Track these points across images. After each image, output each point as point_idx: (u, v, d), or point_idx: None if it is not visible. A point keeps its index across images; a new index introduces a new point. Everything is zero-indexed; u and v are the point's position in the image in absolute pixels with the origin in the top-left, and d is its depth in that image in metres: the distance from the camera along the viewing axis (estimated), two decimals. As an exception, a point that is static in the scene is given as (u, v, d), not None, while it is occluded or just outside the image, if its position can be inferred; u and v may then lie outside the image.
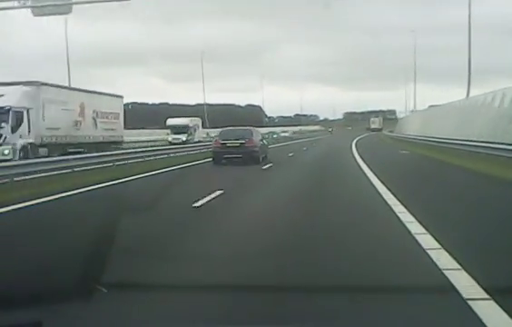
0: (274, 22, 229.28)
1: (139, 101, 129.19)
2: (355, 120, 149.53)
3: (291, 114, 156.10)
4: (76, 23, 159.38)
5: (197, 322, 3.74)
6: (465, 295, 4.15)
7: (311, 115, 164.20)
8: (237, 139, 22.83)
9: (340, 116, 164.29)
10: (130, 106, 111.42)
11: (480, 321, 3.65)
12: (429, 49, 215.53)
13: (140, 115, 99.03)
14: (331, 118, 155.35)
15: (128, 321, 3.76)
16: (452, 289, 4.37)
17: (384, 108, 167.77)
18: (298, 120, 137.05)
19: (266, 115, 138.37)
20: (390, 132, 77.23)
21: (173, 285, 4.58)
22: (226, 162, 21.63)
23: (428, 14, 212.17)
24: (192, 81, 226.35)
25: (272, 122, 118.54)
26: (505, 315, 3.71)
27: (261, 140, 25.18)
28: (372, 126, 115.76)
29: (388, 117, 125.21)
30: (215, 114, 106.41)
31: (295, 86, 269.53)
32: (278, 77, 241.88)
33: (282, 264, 5.31)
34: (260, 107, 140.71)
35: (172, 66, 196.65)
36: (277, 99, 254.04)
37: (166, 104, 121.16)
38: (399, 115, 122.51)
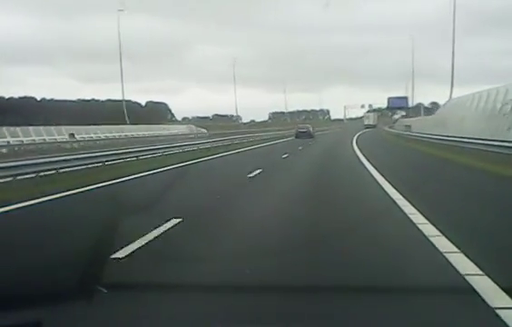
0: (191, 21, 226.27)
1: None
2: (284, 120, 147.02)
3: (210, 115, 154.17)
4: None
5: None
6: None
7: (233, 116, 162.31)
8: (304, 129, 59.44)
9: (266, 117, 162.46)
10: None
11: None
12: (351, 50, 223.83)
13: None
14: (259, 119, 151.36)
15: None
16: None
17: (312, 108, 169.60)
18: (218, 120, 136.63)
19: (172, 114, 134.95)
20: (390, 128, 70.46)
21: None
22: (300, 137, 53.45)
23: (346, 13, 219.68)
24: (103, 81, 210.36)
25: (187, 122, 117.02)
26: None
27: (313, 129, 61.18)
28: (366, 122, 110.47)
29: (320, 117, 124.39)
30: (102, 112, 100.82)
31: (216, 87, 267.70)
32: (196, 77, 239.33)
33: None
34: (165, 104, 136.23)
35: (80, 65, 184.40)
36: (196, 99, 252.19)
37: (33, 98, 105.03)
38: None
